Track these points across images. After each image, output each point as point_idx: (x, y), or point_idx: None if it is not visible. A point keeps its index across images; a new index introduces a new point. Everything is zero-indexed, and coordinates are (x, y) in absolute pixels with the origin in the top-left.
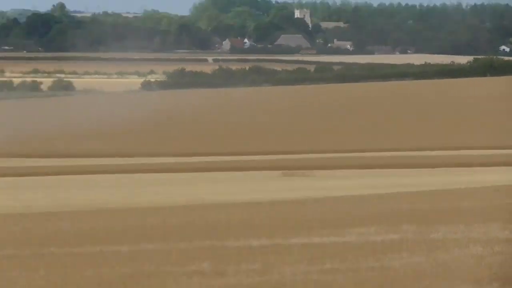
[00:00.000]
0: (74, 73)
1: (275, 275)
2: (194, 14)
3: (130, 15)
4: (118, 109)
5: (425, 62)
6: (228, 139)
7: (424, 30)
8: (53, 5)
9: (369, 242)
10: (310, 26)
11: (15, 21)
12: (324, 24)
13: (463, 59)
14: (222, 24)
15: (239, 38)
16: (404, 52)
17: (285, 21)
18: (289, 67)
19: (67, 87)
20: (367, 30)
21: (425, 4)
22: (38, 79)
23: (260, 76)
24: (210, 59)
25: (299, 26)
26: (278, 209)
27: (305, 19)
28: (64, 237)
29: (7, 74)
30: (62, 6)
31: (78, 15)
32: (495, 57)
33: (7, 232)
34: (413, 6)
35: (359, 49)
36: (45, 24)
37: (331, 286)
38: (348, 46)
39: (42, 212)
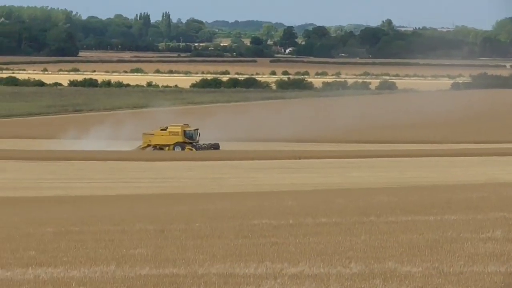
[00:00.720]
0: (397, 75)
1: None
2: (496, 29)
3: (444, 30)
4: (433, 104)
5: None
6: None
7: None
8: (382, 21)
9: None
10: None
11: (351, 33)
12: None
13: None
14: None
15: None
16: None
17: None
18: None
19: (391, 87)
20: None
21: None
22: (368, 80)
23: None
24: (507, 65)
25: None
26: None
27: None
28: (381, 208)
29: (343, 76)
30: (389, 22)
31: (402, 29)
32: None
33: (335, 203)
34: None
35: None
36: (375, 36)
37: None
38: None
39: (365, 188)
